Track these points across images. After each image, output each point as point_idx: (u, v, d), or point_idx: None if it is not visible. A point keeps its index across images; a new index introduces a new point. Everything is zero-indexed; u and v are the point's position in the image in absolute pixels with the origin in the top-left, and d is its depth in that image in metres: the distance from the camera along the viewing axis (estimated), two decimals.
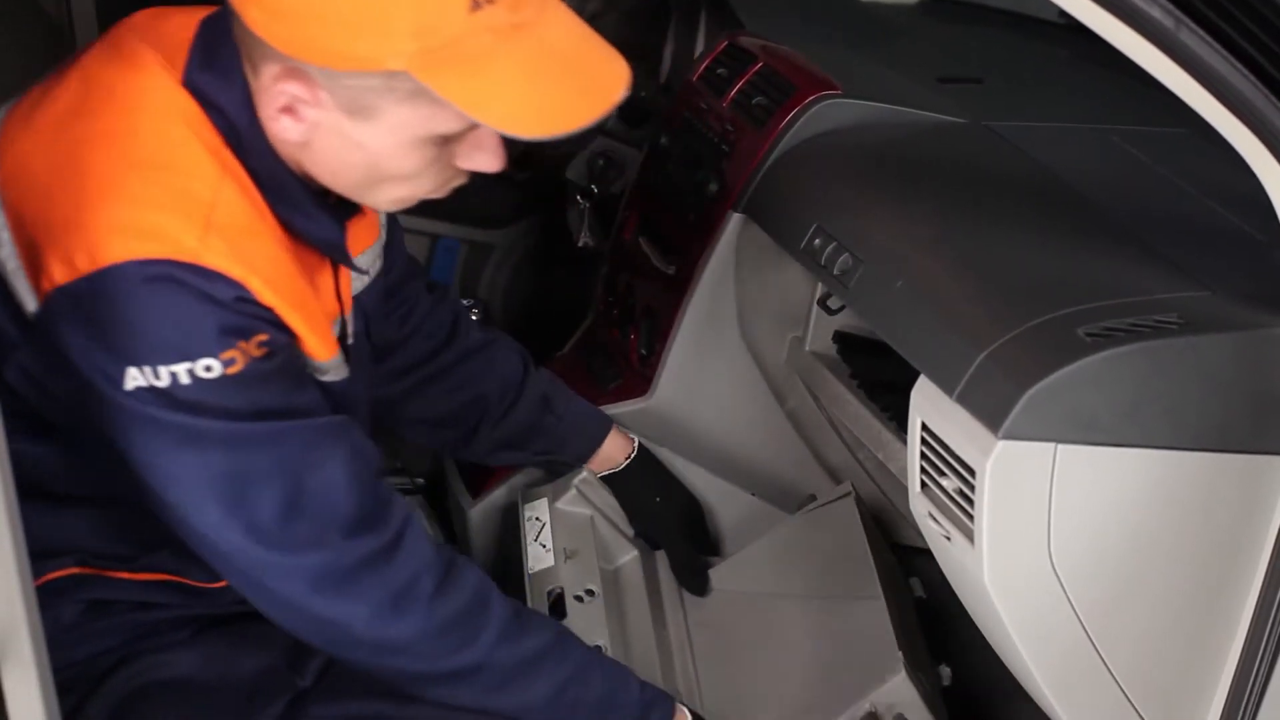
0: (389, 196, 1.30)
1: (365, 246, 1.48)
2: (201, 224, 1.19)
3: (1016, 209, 1.61)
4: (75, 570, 1.36)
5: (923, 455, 1.40)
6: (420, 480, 2.13)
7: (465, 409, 1.76)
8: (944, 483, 1.37)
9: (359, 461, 1.30)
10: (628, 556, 1.87)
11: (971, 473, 1.31)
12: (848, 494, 1.85)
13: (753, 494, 2.05)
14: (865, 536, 1.77)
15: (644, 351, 1.97)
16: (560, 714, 1.43)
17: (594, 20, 2.01)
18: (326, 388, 1.35)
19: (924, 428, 1.38)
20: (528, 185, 2.43)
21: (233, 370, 1.20)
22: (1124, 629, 1.41)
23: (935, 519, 1.41)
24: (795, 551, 1.83)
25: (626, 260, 2.04)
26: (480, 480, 2.02)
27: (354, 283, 1.45)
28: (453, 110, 1.17)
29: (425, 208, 2.24)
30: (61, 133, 1.24)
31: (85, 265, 1.17)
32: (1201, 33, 1.19)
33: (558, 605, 1.74)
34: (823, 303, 1.85)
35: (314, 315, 1.30)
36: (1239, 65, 1.20)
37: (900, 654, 1.58)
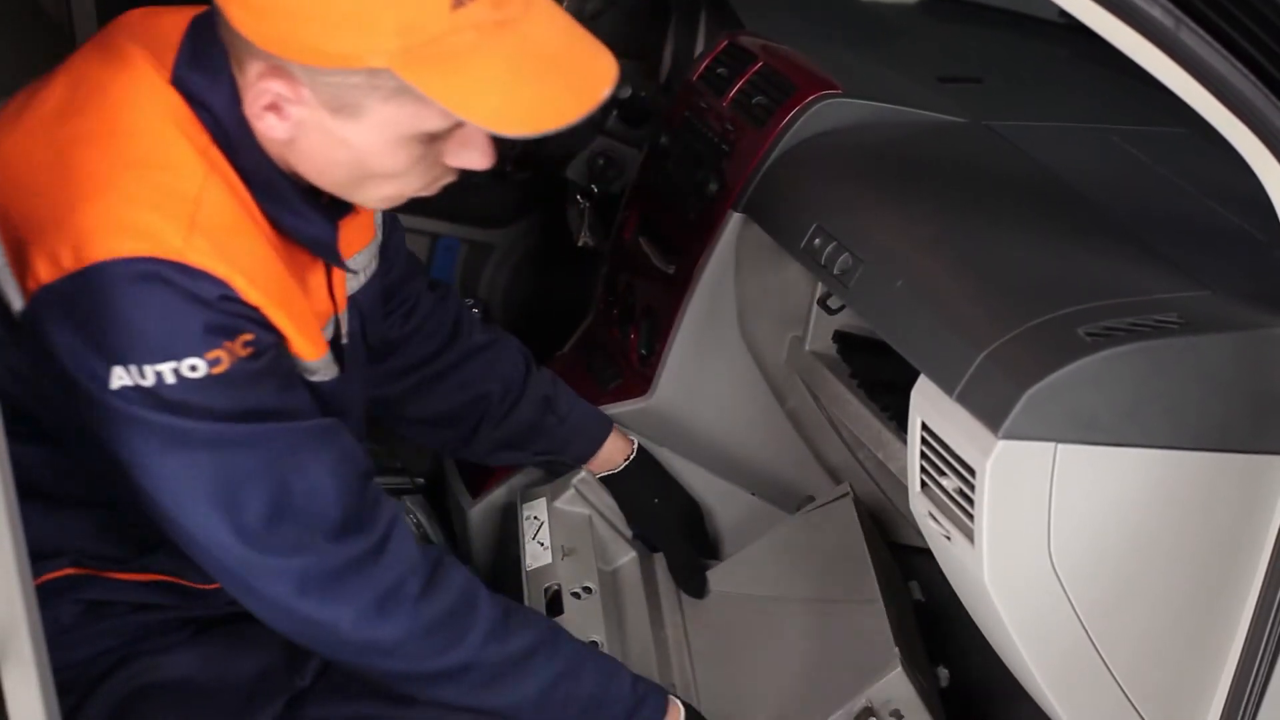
0: (377, 194, 1.30)
1: (360, 246, 1.47)
2: (187, 222, 1.18)
3: (1016, 209, 1.61)
4: (71, 571, 1.36)
5: (923, 455, 1.40)
6: (420, 480, 2.13)
7: (466, 409, 1.76)
8: (944, 482, 1.37)
9: (346, 464, 1.30)
10: (626, 558, 1.87)
11: (971, 472, 1.31)
12: (846, 495, 1.85)
13: (752, 493, 2.05)
14: (863, 537, 1.77)
15: (644, 351, 1.97)
16: (552, 711, 1.43)
17: (594, 19, 2.02)
18: (316, 388, 1.34)
19: (924, 427, 1.38)
20: (528, 185, 2.43)
21: (218, 370, 1.20)
22: (1124, 629, 1.41)
23: (935, 519, 1.41)
24: (793, 553, 1.83)
25: (626, 260, 2.04)
26: (480, 480, 2.02)
27: (349, 282, 1.45)
28: (437, 108, 1.16)
29: (425, 207, 2.24)
30: (50, 132, 1.24)
31: (71, 263, 1.17)
32: (1201, 32, 1.19)
33: (555, 602, 1.74)
34: (823, 302, 1.85)
35: (302, 315, 1.30)
36: (1239, 65, 1.20)
37: (896, 650, 1.58)
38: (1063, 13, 1.24)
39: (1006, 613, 1.38)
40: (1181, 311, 1.34)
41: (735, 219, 1.82)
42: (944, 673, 1.72)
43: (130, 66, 1.26)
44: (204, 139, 1.23)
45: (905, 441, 1.44)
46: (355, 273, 1.44)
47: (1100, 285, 1.41)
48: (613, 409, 1.92)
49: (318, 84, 1.18)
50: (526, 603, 1.76)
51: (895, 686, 1.57)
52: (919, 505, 1.44)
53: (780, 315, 1.90)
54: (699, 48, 2.19)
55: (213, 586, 1.39)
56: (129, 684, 1.40)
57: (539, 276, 2.57)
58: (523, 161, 2.14)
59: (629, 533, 1.89)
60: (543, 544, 1.82)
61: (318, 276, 1.37)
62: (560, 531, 1.83)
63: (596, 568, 1.80)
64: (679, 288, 1.90)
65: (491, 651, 1.37)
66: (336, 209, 1.34)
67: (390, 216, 1.62)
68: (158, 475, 1.23)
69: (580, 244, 2.22)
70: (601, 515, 1.87)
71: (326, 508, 1.27)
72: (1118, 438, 1.31)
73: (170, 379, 1.18)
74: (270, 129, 1.22)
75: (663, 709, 1.51)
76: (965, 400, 1.32)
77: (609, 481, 1.88)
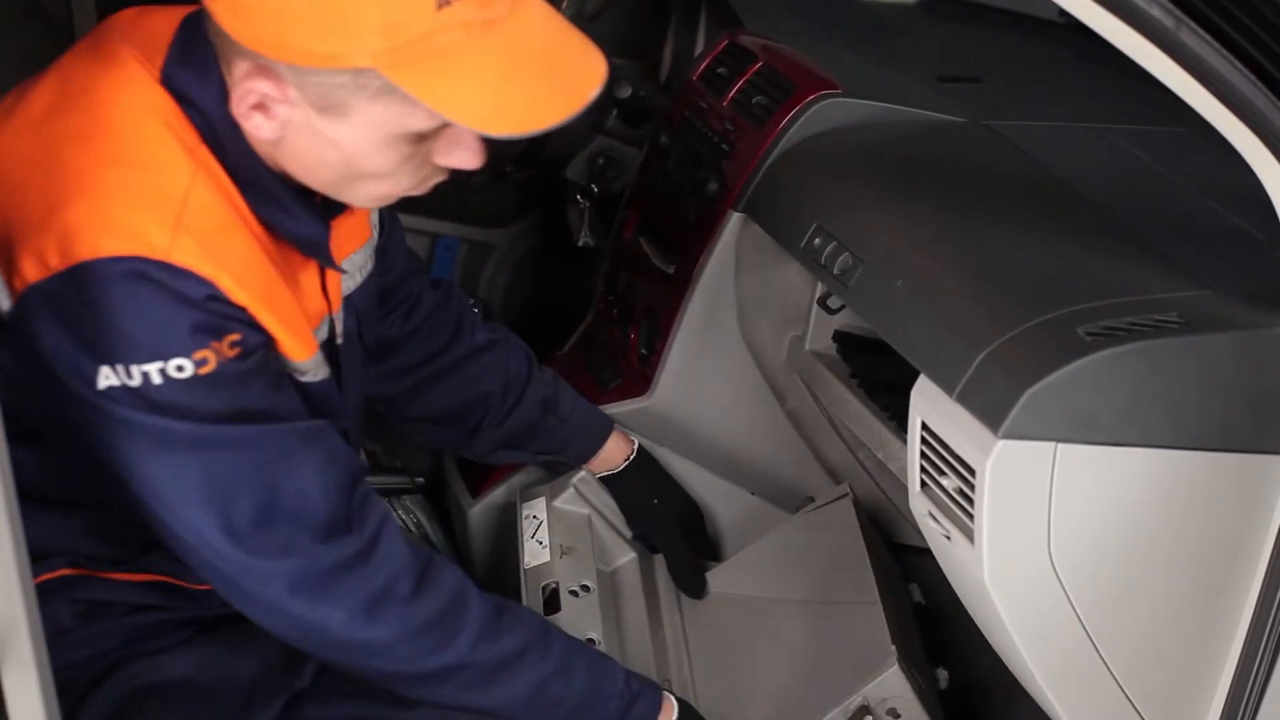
0: (367, 193, 1.29)
1: (356, 246, 1.47)
2: (173, 222, 1.18)
3: (1016, 208, 1.61)
4: (67, 572, 1.36)
5: (923, 455, 1.40)
6: (420, 480, 2.13)
7: (467, 408, 1.76)
8: (944, 482, 1.37)
9: (335, 466, 1.29)
10: (625, 558, 1.87)
11: (971, 472, 1.31)
12: (845, 495, 1.85)
13: (752, 493, 2.05)
14: (862, 538, 1.77)
15: (644, 351, 1.97)
16: (545, 709, 1.43)
17: (594, 19, 2.01)
18: (306, 389, 1.34)
19: (924, 427, 1.38)
20: (528, 185, 2.43)
21: (205, 370, 1.19)
22: (1124, 629, 1.41)
23: (935, 518, 1.41)
24: (792, 554, 1.83)
25: (626, 259, 2.04)
26: (480, 480, 2.03)
27: (345, 282, 1.44)
28: (424, 108, 1.16)
29: (425, 207, 2.24)
30: (38, 131, 1.24)
31: (57, 262, 1.17)
32: (1202, 32, 1.19)
33: (552, 600, 1.74)
34: (822, 302, 1.85)
35: (291, 315, 1.29)
36: (1239, 65, 1.20)
37: (893, 648, 1.58)
38: (1063, 12, 1.24)
39: (1006, 613, 1.38)
40: (1181, 311, 1.34)
41: (735, 219, 1.82)
42: (943, 674, 1.72)
43: (119, 66, 1.25)
44: (193, 138, 1.23)
45: (905, 441, 1.44)
46: (346, 273, 1.43)
47: (1100, 285, 1.41)
48: (612, 409, 1.92)
49: (304, 84, 1.18)
50: (524, 601, 1.76)
51: (892, 685, 1.57)
52: (919, 505, 1.44)
53: (780, 315, 1.90)
54: (699, 47, 2.19)
55: (209, 587, 1.39)
56: (128, 685, 1.40)
57: (539, 276, 2.57)
58: (523, 161, 2.14)
59: (629, 533, 1.90)
60: (541, 543, 1.82)
61: (311, 276, 1.36)
62: (559, 530, 1.83)
63: (595, 567, 1.80)
64: (679, 287, 1.90)
65: (482, 651, 1.37)
66: (329, 208, 1.34)
67: (391, 216, 1.62)
68: (146, 476, 1.22)
69: (580, 244, 2.22)
70: (601, 515, 1.87)
71: (315, 509, 1.27)
72: (1118, 437, 1.31)
73: (157, 379, 1.18)
74: (258, 129, 1.22)
75: (657, 705, 1.51)
76: (965, 400, 1.32)
77: (609, 481, 1.88)
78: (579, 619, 1.71)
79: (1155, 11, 1.18)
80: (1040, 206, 1.62)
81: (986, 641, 1.50)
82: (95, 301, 1.17)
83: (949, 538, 1.39)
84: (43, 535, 1.32)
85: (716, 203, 1.84)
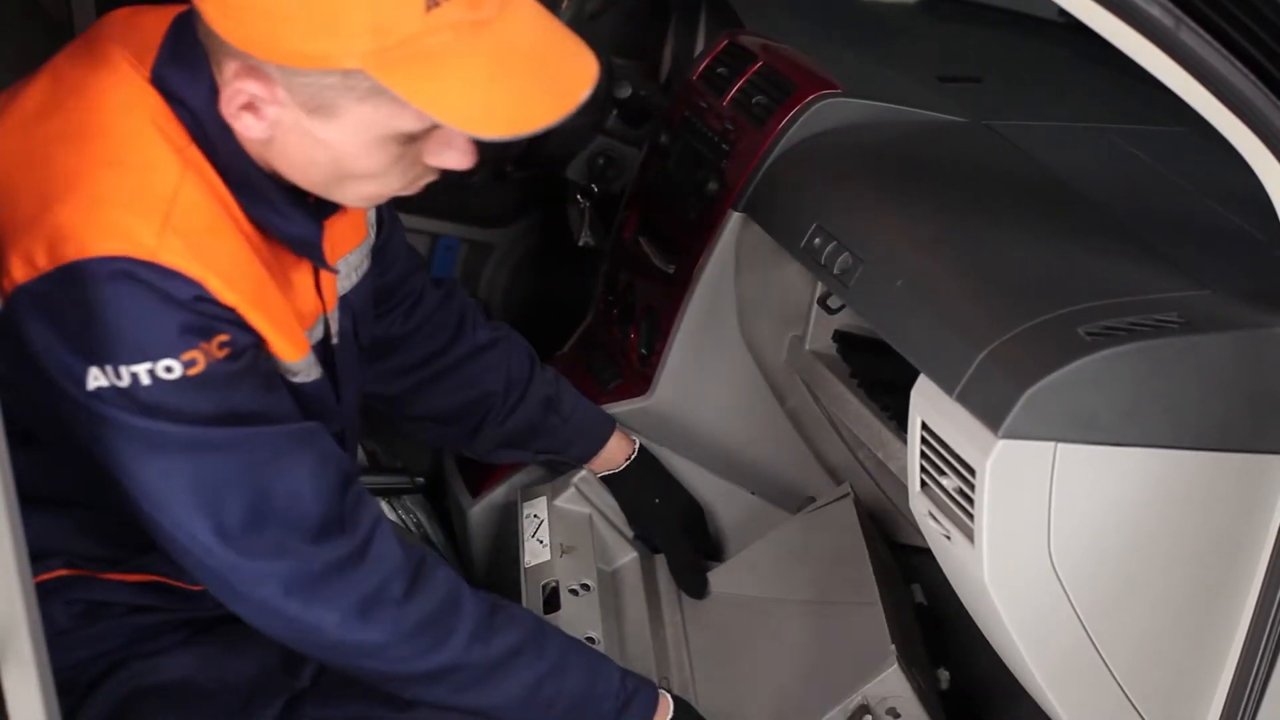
0: (357, 194, 1.29)
1: (351, 246, 1.46)
2: (160, 222, 1.18)
3: (1016, 208, 1.61)
4: (64, 572, 1.36)
5: (923, 454, 1.40)
6: (420, 480, 2.13)
7: (469, 407, 1.76)
8: (944, 482, 1.37)
9: (327, 468, 1.29)
10: (627, 558, 1.87)
11: (971, 472, 1.31)
12: (846, 495, 1.85)
13: (753, 493, 2.05)
14: (863, 538, 1.77)
15: (644, 351, 1.97)
16: (540, 708, 1.43)
17: (594, 19, 2.01)
18: (298, 389, 1.34)
19: (924, 427, 1.38)
20: (528, 185, 2.43)
21: (194, 371, 1.19)
22: (1124, 629, 1.41)
23: (935, 518, 1.41)
24: (793, 554, 1.83)
25: (626, 259, 2.04)
26: (480, 479, 2.02)
27: (341, 281, 1.44)
28: (413, 109, 1.15)
29: (425, 207, 2.24)
30: (28, 131, 1.24)
31: (45, 263, 1.16)
32: (1202, 32, 1.19)
33: (552, 598, 1.74)
34: (822, 302, 1.85)
35: (281, 316, 1.29)
36: (1239, 65, 1.20)
37: (893, 648, 1.58)
38: (1063, 12, 1.24)
39: (1006, 612, 1.38)
40: (1181, 311, 1.34)
41: (735, 218, 1.82)
42: (944, 674, 1.72)
43: (109, 66, 1.25)
44: (182, 137, 1.23)
45: (905, 441, 1.44)
46: (337, 272, 1.42)
47: (1100, 285, 1.41)
48: (612, 409, 1.92)
49: (293, 84, 1.17)
50: (524, 599, 1.76)
51: (891, 684, 1.57)
52: (919, 505, 1.44)
53: (780, 315, 1.90)
54: (699, 47, 2.18)
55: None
56: (127, 685, 1.40)
57: (539, 276, 2.57)
58: (523, 161, 2.14)
59: (630, 533, 1.90)
60: (542, 541, 1.82)
61: (304, 275, 1.36)
62: (560, 530, 1.83)
63: (596, 566, 1.80)
64: (679, 287, 1.90)
65: (476, 652, 1.37)
66: (322, 208, 1.33)
67: (391, 215, 1.62)
68: (138, 478, 1.22)
69: (580, 243, 2.22)
70: (602, 515, 1.87)
71: (307, 511, 1.27)
72: (1118, 437, 1.31)
73: (146, 380, 1.18)
74: (247, 129, 1.21)
75: (653, 703, 1.51)
76: (965, 400, 1.32)
77: (610, 481, 1.88)
78: (579, 618, 1.71)
79: (1155, 11, 1.18)
80: (1040, 206, 1.62)
81: (987, 642, 1.50)
82: (83, 302, 1.16)
83: (949, 538, 1.39)
84: (38, 536, 1.32)
85: (716, 203, 1.84)
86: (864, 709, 1.57)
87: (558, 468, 1.91)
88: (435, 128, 1.21)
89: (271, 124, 1.21)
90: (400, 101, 1.15)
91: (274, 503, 1.25)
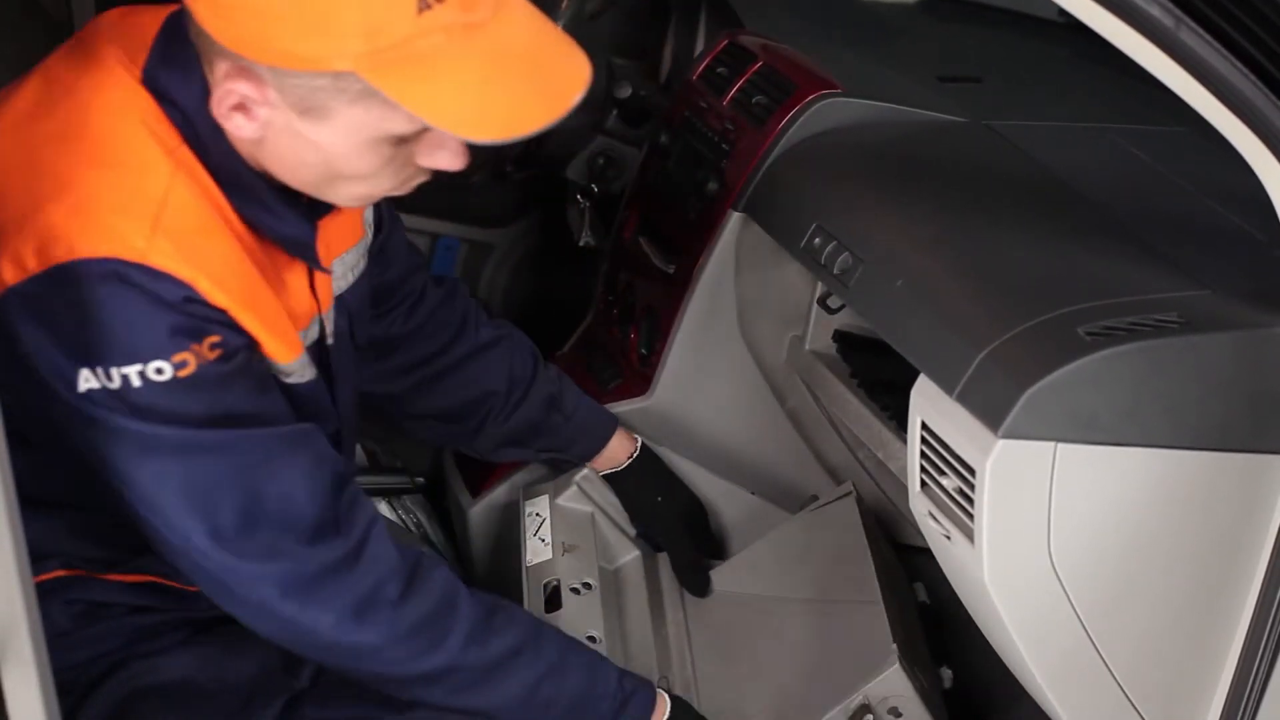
0: (349, 194, 1.29)
1: (347, 246, 1.46)
2: (150, 223, 1.18)
3: (1016, 208, 1.61)
4: (62, 573, 1.36)
5: (923, 454, 1.40)
6: (420, 480, 2.13)
7: (471, 406, 1.76)
8: (944, 482, 1.37)
9: (321, 469, 1.29)
10: (629, 556, 1.87)
11: (971, 472, 1.31)
12: (849, 493, 1.85)
13: (753, 493, 2.05)
14: (865, 537, 1.77)
15: (644, 351, 1.97)
16: (538, 709, 1.43)
17: (594, 19, 2.01)
18: (291, 390, 1.33)
19: (924, 427, 1.38)
20: (528, 185, 2.43)
21: (184, 373, 1.19)
22: (1124, 629, 1.41)
23: (935, 518, 1.41)
24: (796, 552, 1.83)
25: (626, 259, 2.04)
26: (480, 479, 2.02)
27: (336, 281, 1.43)
28: (404, 111, 1.15)
29: (425, 207, 2.23)
30: (20, 133, 1.24)
31: (35, 265, 1.16)
32: (1202, 32, 1.19)
33: (554, 598, 1.74)
34: (822, 302, 1.85)
35: (273, 317, 1.28)
36: (1239, 65, 1.20)
37: (894, 647, 1.58)
38: (1063, 12, 1.24)
39: (1006, 612, 1.38)
40: (1181, 311, 1.34)
41: (735, 218, 1.82)
42: (947, 673, 1.72)
43: (100, 66, 1.25)
44: (173, 138, 1.22)
45: (905, 441, 1.44)
46: (329, 273, 1.41)
47: (1100, 285, 1.41)
48: (612, 409, 1.92)
49: (284, 85, 1.17)
50: (525, 598, 1.76)
51: (892, 684, 1.57)
52: (919, 505, 1.44)
53: (780, 315, 1.90)
54: (699, 47, 2.18)
55: None
56: (127, 686, 1.40)
57: (539, 276, 2.57)
58: (523, 161, 2.14)
59: (632, 531, 1.90)
60: (544, 540, 1.82)
61: (298, 275, 1.35)
62: (562, 528, 1.83)
63: (598, 565, 1.80)
64: (679, 287, 1.90)
65: (473, 653, 1.37)
66: (316, 208, 1.32)
67: (391, 214, 1.62)
68: (131, 480, 1.22)
69: (580, 243, 2.22)
70: (604, 513, 1.87)
71: (300, 513, 1.27)
72: (1117, 437, 1.31)
73: (136, 382, 1.18)
74: (238, 129, 1.21)
75: (651, 704, 1.51)
76: (965, 400, 1.32)
77: (612, 479, 1.88)
78: (580, 617, 1.71)
79: (1155, 11, 1.18)
80: (1040, 206, 1.62)
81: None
82: (73, 304, 1.16)
83: (949, 537, 1.39)
84: (34, 537, 1.32)
85: (716, 203, 1.84)
86: (865, 708, 1.57)
87: (560, 466, 1.91)
88: (427, 129, 1.21)
89: (263, 125, 1.20)
90: (392, 104, 1.14)
91: (266, 505, 1.25)
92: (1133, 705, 1.44)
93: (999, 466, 1.28)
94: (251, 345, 1.26)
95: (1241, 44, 1.19)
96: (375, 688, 1.39)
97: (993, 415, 1.28)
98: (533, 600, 1.75)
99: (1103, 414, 1.30)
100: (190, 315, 1.19)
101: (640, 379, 1.96)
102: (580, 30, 1.91)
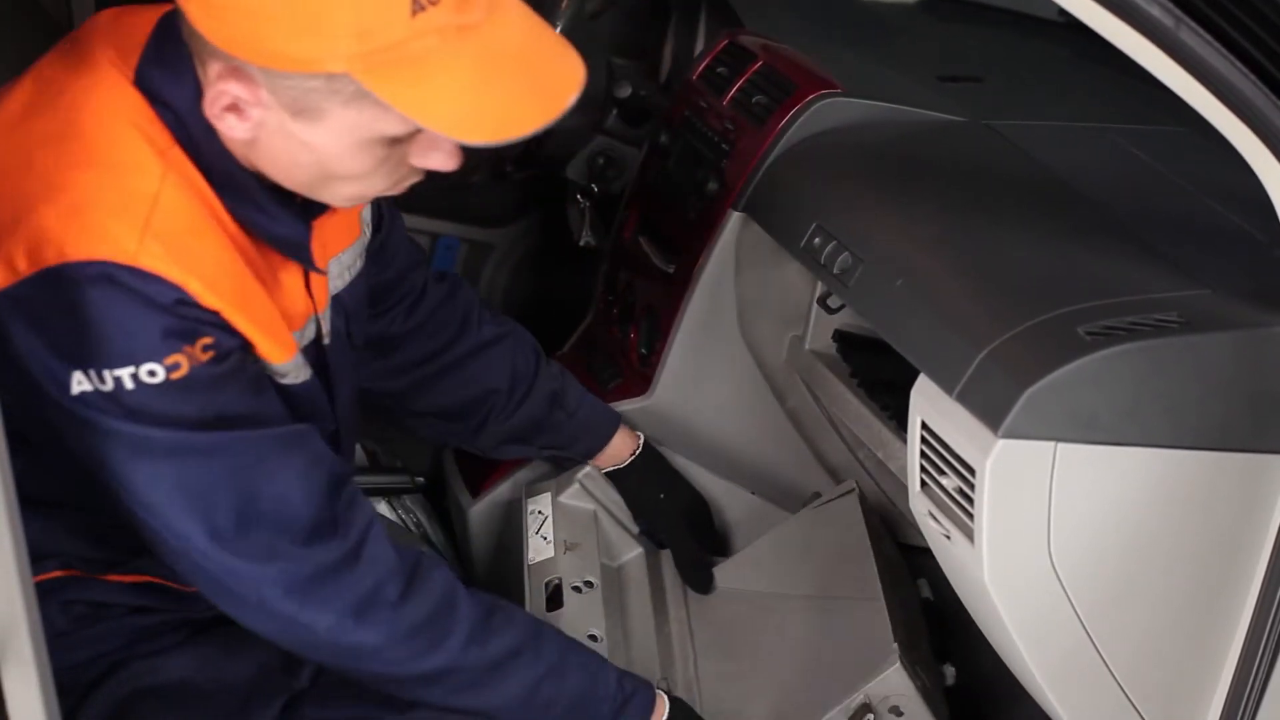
0: (342, 194, 1.28)
1: (343, 246, 1.45)
2: (141, 225, 1.17)
3: (1016, 208, 1.61)
4: (60, 574, 1.36)
5: (922, 454, 1.40)
6: (420, 480, 2.13)
7: (473, 403, 1.76)
8: (944, 482, 1.37)
9: (317, 470, 1.29)
10: (631, 554, 1.87)
11: (971, 471, 1.31)
12: (851, 490, 1.85)
13: (753, 493, 2.05)
14: (867, 534, 1.77)
15: (644, 350, 1.97)
16: (537, 710, 1.43)
17: (594, 19, 2.01)
18: (286, 391, 1.33)
19: (924, 426, 1.38)
20: (528, 185, 2.43)
21: (177, 375, 1.19)
22: (1124, 628, 1.41)
23: (935, 518, 1.41)
24: (798, 549, 1.83)
25: (626, 259, 2.04)
26: (480, 479, 2.02)
27: (333, 281, 1.43)
28: (398, 113, 1.15)
29: (425, 207, 2.23)
30: (12, 134, 1.23)
31: (25, 267, 1.16)
32: (1202, 32, 1.19)
33: (555, 596, 1.74)
34: (822, 301, 1.85)
35: (267, 318, 1.28)
36: (1239, 64, 1.20)
37: (895, 646, 1.58)
38: (1063, 12, 1.24)
39: (1006, 612, 1.38)
40: (1181, 310, 1.34)
41: (735, 218, 1.82)
42: (950, 670, 1.72)
43: (92, 68, 1.24)
44: (165, 139, 1.22)
45: (905, 441, 1.44)
46: (323, 273, 1.41)
47: (1100, 284, 1.41)
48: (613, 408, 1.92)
49: (277, 86, 1.16)
50: (527, 597, 1.76)
51: (893, 683, 1.57)
52: (919, 505, 1.44)
53: (780, 314, 1.90)
54: (699, 47, 2.18)
55: None
56: (126, 686, 1.40)
57: (539, 276, 2.57)
58: (523, 161, 2.14)
59: (635, 528, 1.90)
60: (545, 538, 1.82)
61: (293, 275, 1.35)
62: (564, 526, 1.83)
63: (600, 563, 1.80)
64: (679, 287, 1.90)
65: (473, 654, 1.37)
66: (310, 208, 1.32)
67: (391, 212, 1.62)
68: (127, 481, 1.22)
69: (581, 243, 2.22)
70: (607, 511, 1.87)
71: (296, 514, 1.27)
72: (1117, 437, 1.31)
73: (129, 384, 1.18)
74: (231, 129, 1.21)
75: (650, 705, 1.51)
76: (965, 399, 1.32)
77: (615, 477, 1.88)
78: (581, 615, 1.71)
79: (1155, 11, 1.18)
80: (1040, 206, 1.62)
81: None
82: (64, 307, 1.16)
83: (949, 537, 1.39)
84: (32, 537, 1.32)
85: (716, 202, 1.84)
86: (866, 708, 1.57)
87: (562, 464, 1.91)
88: (421, 130, 1.20)
89: (255, 125, 1.20)
90: (385, 105, 1.14)
91: (262, 505, 1.25)
92: (1133, 705, 1.44)
93: (999, 466, 1.28)
94: (245, 346, 1.26)
95: (1241, 44, 1.19)
96: (375, 688, 1.39)
97: (993, 415, 1.28)
98: (534, 599, 1.75)
99: (1103, 414, 1.30)
100: (182, 317, 1.19)
101: (640, 379, 1.96)
102: (580, 30, 1.91)
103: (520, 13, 1.20)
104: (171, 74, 1.22)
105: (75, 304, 1.16)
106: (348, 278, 1.47)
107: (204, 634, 1.45)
